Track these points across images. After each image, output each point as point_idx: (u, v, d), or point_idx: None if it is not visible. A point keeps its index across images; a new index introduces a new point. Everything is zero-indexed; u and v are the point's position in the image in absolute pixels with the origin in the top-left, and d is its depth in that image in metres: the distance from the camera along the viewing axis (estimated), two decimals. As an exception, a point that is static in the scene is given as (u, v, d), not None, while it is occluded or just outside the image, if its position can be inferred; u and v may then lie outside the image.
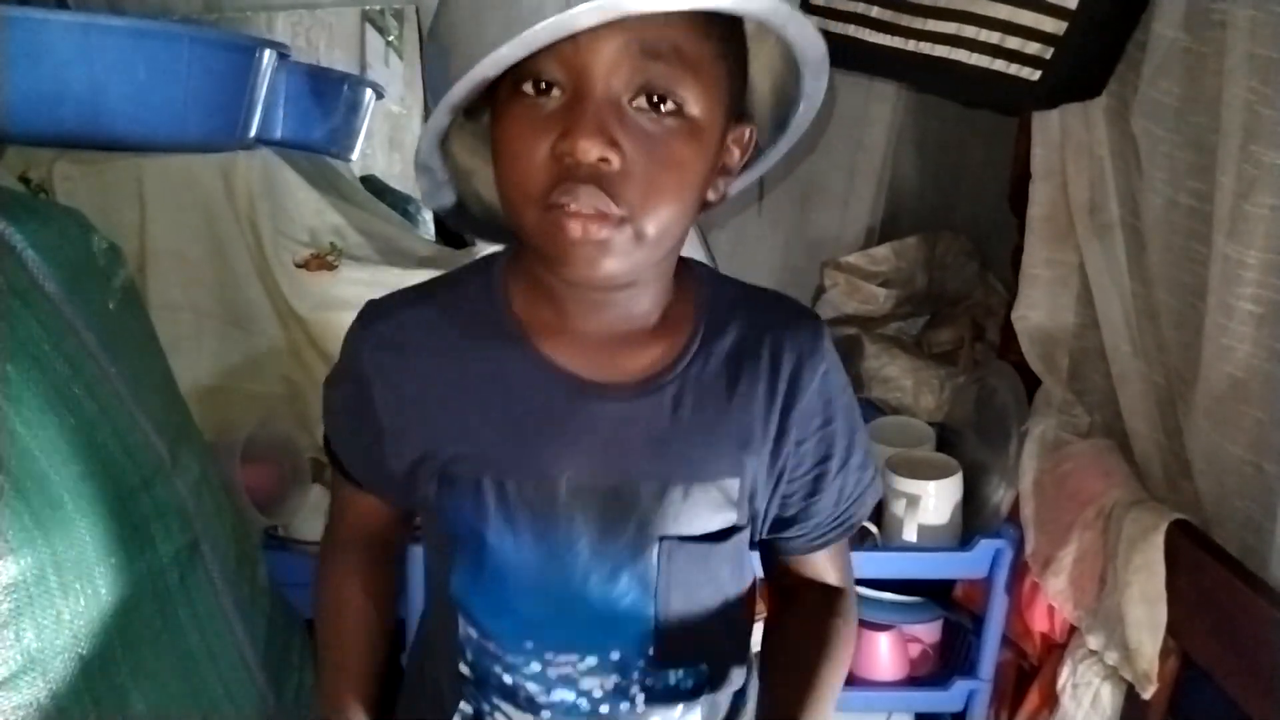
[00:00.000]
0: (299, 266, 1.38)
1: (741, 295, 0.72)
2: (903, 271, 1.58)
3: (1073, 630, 1.16)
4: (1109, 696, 1.10)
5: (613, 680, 0.67)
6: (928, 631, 1.37)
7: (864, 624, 1.33)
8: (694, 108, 0.57)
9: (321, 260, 1.40)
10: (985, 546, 1.21)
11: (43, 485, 0.77)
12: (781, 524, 0.73)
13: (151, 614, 0.87)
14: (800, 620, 0.75)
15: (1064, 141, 1.16)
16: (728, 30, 0.59)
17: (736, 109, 0.63)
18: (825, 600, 0.76)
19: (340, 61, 1.80)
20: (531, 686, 0.67)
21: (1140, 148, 1.04)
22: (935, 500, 1.25)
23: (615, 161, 0.55)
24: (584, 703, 0.67)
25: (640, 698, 0.68)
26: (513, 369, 0.65)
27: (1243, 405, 0.92)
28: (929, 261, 1.59)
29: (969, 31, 1.04)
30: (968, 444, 1.36)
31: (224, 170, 1.35)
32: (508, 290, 0.68)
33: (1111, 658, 1.04)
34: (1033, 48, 1.01)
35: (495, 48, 0.52)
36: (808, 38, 0.58)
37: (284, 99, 1.53)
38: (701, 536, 0.67)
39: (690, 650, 0.69)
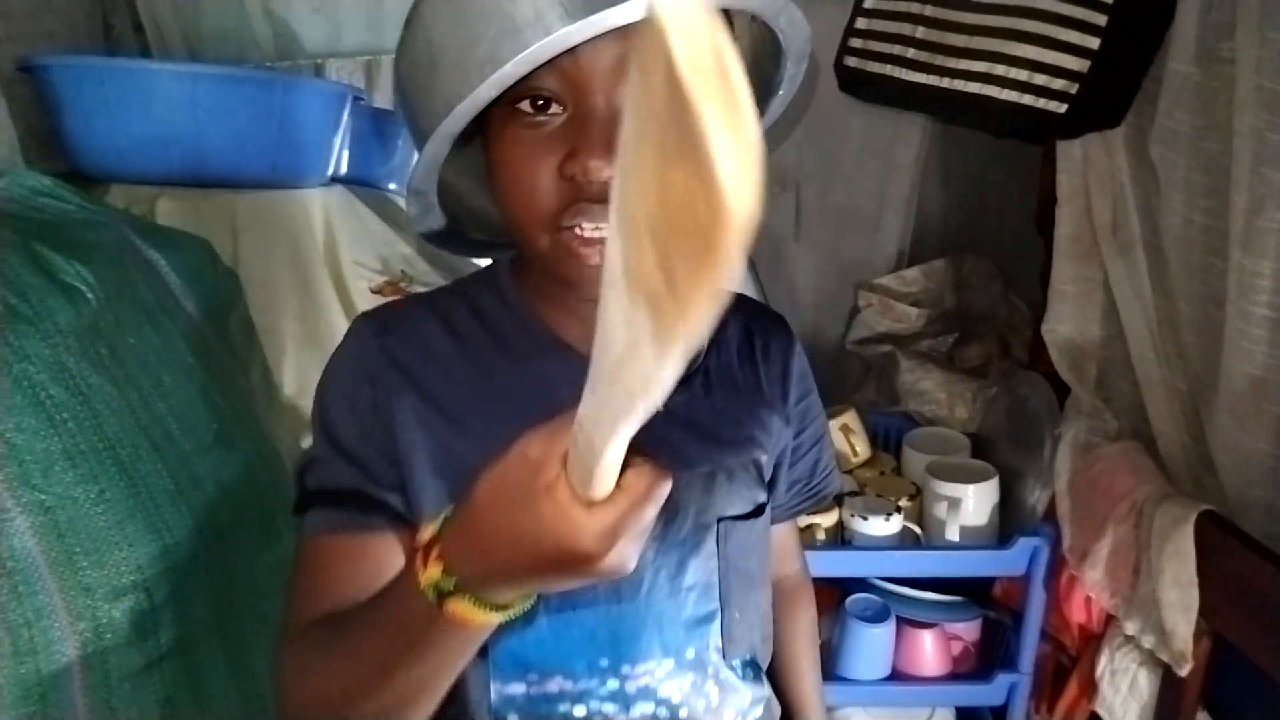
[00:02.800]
0: (374, 292, 1.48)
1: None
2: (932, 292, 1.68)
3: (1109, 621, 1.24)
4: (1146, 681, 1.17)
5: (689, 679, 0.66)
6: (968, 629, 1.44)
7: (908, 622, 1.41)
8: None
9: (395, 286, 1.50)
10: (1024, 544, 1.29)
11: (194, 478, 0.87)
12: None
13: (279, 599, 0.96)
14: (792, 633, 0.84)
15: (1087, 168, 1.26)
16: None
17: None
18: (799, 601, 0.86)
19: (379, 101, 1.92)
20: (609, 708, 0.64)
21: (1158, 172, 1.13)
22: (974, 503, 1.33)
23: None
24: (664, 711, 0.66)
25: (714, 693, 0.68)
26: (553, 374, 0.62)
27: (1263, 403, 1.00)
28: (956, 282, 1.69)
29: (999, 70, 1.14)
30: (1001, 451, 1.45)
31: (306, 205, 1.46)
32: (524, 298, 0.66)
33: (1148, 641, 1.11)
34: (1059, 84, 1.11)
35: (495, 66, 0.50)
36: (796, 26, 0.59)
37: (354, 139, 1.64)
38: (745, 515, 0.69)
39: (746, 636, 0.71)
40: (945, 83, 1.19)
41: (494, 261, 0.70)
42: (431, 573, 0.47)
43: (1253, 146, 0.97)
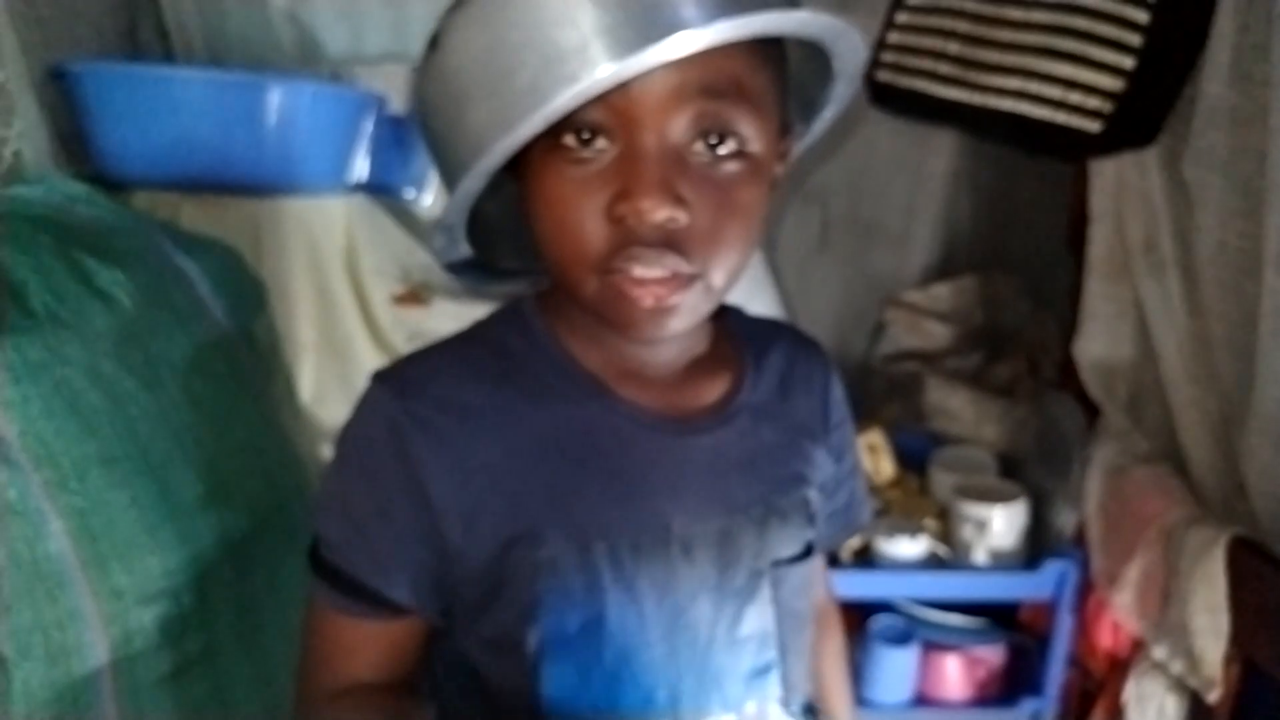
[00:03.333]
0: (396, 301, 1.48)
1: (759, 321, 0.73)
2: (960, 309, 1.66)
3: (1136, 646, 1.22)
4: (1173, 707, 1.16)
5: None
6: (993, 653, 1.42)
7: (932, 646, 1.39)
8: (754, 144, 0.53)
9: (415, 295, 1.50)
10: (1051, 567, 1.28)
11: (221, 485, 0.87)
12: None
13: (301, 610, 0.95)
14: (823, 657, 0.80)
15: (1120, 187, 1.25)
16: (777, 51, 0.56)
17: (783, 128, 0.59)
18: (828, 625, 0.83)
19: (399, 107, 1.91)
20: None
21: (1192, 193, 1.12)
22: (1002, 524, 1.31)
23: (682, 219, 0.51)
24: None
25: None
26: (595, 419, 0.59)
27: (1298, 427, 0.99)
28: (984, 299, 1.68)
29: (1033, 87, 1.13)
30: (1030, 472, 1.43)
31: (329, 212, 1.46)
32: (556, 336, 0.62)
33: (1176, 667, 1.10)
34: (1093, 103, 1.10)
35: (538, 98, 0.47)
36: (855, 52, 0.56)
37: (375, 146, 1.64)
38: (797, 557, 0.66)
39: (802, 680, 0.68)
40: (978, 99, 1.19)
41: (518, 299, 0.65)
42: None
43: (1290, 168, 0.95)
